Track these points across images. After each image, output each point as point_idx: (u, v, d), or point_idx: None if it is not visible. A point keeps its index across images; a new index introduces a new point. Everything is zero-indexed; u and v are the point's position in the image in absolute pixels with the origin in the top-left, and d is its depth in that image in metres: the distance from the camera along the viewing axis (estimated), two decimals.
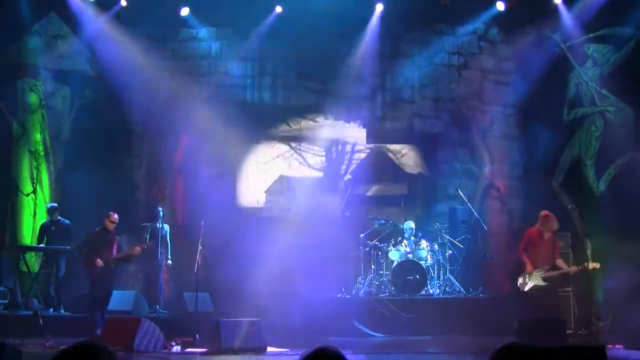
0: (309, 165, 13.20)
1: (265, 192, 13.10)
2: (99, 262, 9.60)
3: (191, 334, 9.07)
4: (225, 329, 8.50)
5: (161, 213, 11.13)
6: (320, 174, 13.17)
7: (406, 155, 13.18)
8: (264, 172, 13.16)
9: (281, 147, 13.22)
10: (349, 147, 13.25)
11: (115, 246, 9.90)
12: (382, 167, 13.12)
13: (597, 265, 8.97)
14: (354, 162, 13.22)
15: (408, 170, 13.16)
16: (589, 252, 9.04)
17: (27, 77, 12.56)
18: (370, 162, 13.17)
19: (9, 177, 12.31)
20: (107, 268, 9.74)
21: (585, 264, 9.15)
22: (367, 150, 13.23)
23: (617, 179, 11.98)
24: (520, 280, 9.36)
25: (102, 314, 9.78)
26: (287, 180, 13.13)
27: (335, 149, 13.24)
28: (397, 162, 13.18)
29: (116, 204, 12.38)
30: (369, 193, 13.03)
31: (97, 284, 9.75)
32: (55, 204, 11.54)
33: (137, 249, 9.96)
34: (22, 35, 12.45)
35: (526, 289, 9.28)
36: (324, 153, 13.24)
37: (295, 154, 13.21)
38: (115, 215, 9.96)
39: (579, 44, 12.42)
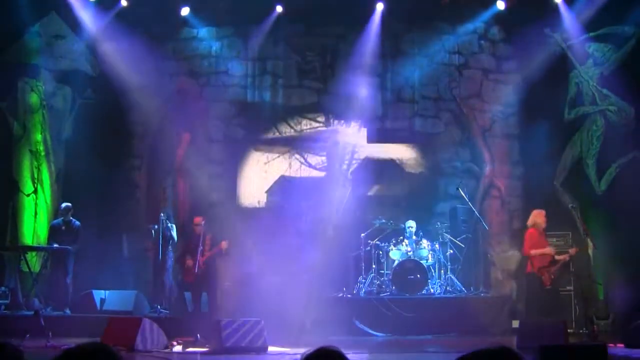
0: (310, 166, 13.20)
1: (266, 192, 13.10)
2: (189, 262, 9.68)
3: (192, 333, 9.07)
4: (227, 328, 8.51)
5: (163, 216, 11.08)
6: (321, 174, 13.15)
7: (407, 155, 13.18)
8: (264, 171, 13.16)
9: (282, 147, 13.22)
10: (349, 147, 13.24)
11: (201, 248, 9.95)
12: (382, 167, 13.12)
13: (593, 246, 9.10)
14: (354, 162, 13.21)
15: (409, 169, 13.15)
16: (590, 252, 9.05)
17: (28, 77, 12.55)
18: (371, 162, 13.17)
19: (10, 177, 12.30)
20: (198, 270, 9.74)
21: (571, 250, 9.43)
22: (368, 150, 13.22)
23: (619, 178, 11.97)
24: (544, 278, 9.40)
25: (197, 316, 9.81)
26: (288, 180, 13.12)
27: (336, 149, 13.23)
28: (397, 162, 13.17)
29: (116, 204, 12.44)
30: (370, 193, 13.02)
31: (191, 289, 9.77)
32: (70, 204, 11.45)
33: (223, 243, 9.97)
34: (22, 35, 12.44)
35: (548, 285, 9.36)
36: (324, 153, 13.23)
37: (296, 154, 13.20)
38: (198, 219, 10.22)
39: (580, 43, 12.40)
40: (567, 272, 10.38)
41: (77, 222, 11.35)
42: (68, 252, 11.06)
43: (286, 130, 13.24)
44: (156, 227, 11.06)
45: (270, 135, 13.24)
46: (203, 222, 10.22)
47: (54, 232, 11.38)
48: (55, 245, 11.09)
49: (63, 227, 11.30)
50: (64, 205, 11.46)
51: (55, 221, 11.59)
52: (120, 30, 12.51)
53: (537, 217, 9.72)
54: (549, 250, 9.37)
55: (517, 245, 10.85)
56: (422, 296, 10.96)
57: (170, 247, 11.22)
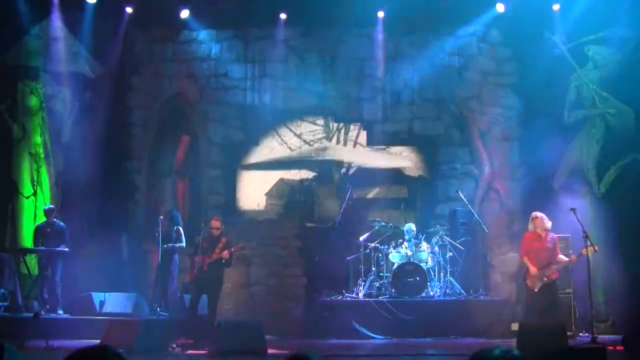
0: (309, 168, 13.18)
1: (266, 195, 13.09)
2: (195, 262, 9.62)
3: (191, 336, 9.06)
4: (226, 330, 8.50)
5: (160, 219, 10.93)
6: (320, 177, 13.14)
7: (406, 157, 13.18)
8: (264, 174, 13.14)
9: (281, 150, 13.21)
10: (349, 150, 13.24)
11: (217, 249, 9.79)
12: (382, 169, 13.12)
13: (594, 249, 9.03)
14: (354, 164, 13.21)
15: (408, 172, 13.15)
16: (589, 254, 9.04)
17: (27, 79, 12.56)
18: (371, 164, 13.16)
19: (9, 180, 12.30)
20: (202, 271, 9.64)
21: (583, 250, 9.24)
22: (367, 152, 13.22)
23: (618, 180, 11.97)
24: (529, 282, 9.36)
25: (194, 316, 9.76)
26: (287, 183, 13.11)
27: (335, 151, 13.23)
28: (397, 164, 13.17)
29: (116, 206, 12.43)
30: (370, 195, 13.02)
31: (191, 286, 9.72)
32: (53, 206, 11.49)
33: (225, 252, 9.75)
34: (22, 37, 12.45)
35: (536, 290, 9.31)
36: (324, 155, 13.23)
37: (295, 157, 13.19)
38: (214, 222, 9.93)
39: (579, 46, 12.41)
40: (566, 274, 10.38)
41: (62, 224, 11.33)
42: (56, 253, 11.03)
43: (286, 133, 13.24)
44: (154, 233, 11.01)
45: (269, 138, 13.22)
46: (220, 224, 10.02)
47: (39, 234, 11.34)
48: (56, 248, 11.08)
49: (48, 229, 11.27)
50: (46, 207, 11.51)
51: (41, 223, 11.56)
52: (119, 31, 12.55)
53: (533, 220, 9.66)
54: (534, 269, 9.31)
55: (516, 247, 10.83)
56: (421, 299, 10.96)
57: (177, 251, 11.09)
